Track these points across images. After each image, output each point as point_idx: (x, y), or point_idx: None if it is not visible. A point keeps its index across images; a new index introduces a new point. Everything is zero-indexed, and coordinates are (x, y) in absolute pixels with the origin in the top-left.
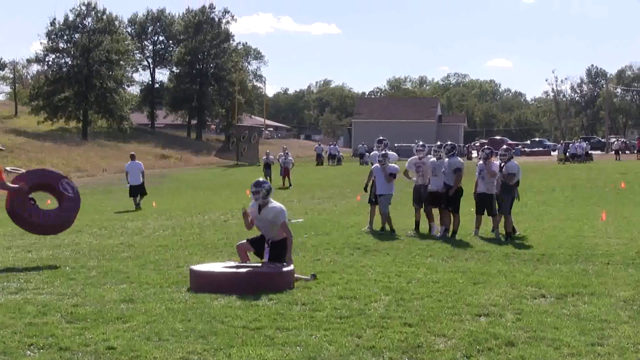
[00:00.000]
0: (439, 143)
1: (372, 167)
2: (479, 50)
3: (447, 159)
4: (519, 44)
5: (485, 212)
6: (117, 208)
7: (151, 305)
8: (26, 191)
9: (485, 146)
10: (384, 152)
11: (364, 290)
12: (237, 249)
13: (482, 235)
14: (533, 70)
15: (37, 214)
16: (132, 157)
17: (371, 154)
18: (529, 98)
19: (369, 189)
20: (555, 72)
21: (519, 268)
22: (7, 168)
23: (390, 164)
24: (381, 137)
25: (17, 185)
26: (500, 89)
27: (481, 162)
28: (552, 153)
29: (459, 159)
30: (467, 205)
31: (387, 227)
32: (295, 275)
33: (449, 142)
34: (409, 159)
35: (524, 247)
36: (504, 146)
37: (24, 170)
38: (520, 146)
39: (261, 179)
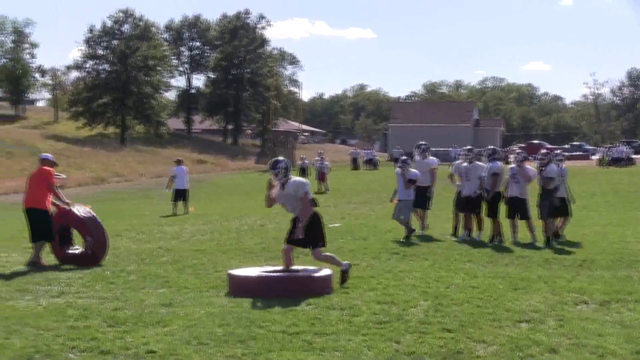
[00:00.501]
0: (469, 147)
1: (396, 171)
2: (516, 53)
3: (489, 164)
4: (557, 46)
5: (518, 215)
6: (156, 213)
7: (190, 310)
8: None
9: (518, 150)
10: (404, 157)
11: (403, 295)
12: (282, 253)
13: (520, 241)
14: (572, 73)
15: (64, 248)
16: (179, 162)
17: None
18: (567, 101)
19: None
20: (594, 75)
21: (560, 274)
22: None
23: (410, 170)
24: (421, 142)
25: (68, 203)
26: (538, 93)
27: (514, 165)
28: (592, 157)
29: (499, 163)
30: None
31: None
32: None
33: (490, 146)
34: (454, 164)
35: (564, 253)
36: (543, 150)
37: (64, 176)
38: (559, 150)
39: (278, 159)
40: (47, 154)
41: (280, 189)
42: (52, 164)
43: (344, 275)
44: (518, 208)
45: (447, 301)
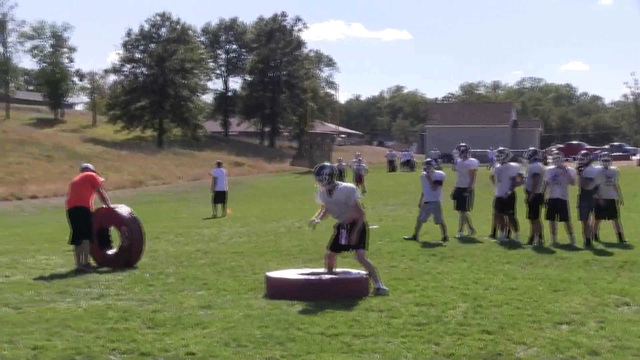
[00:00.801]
0: (501, 148)
1: (420, 176)
2: (554, 53)
3: (529, 164)
4: (596, 46)
5: (558, 217)
6: (194, 215)
7: (229, 312)
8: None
9: (555, 151)
10: (428, 159)
11: (441, 297)
12: (324, 258)
13: (560, 242)
14: (611, 73)
15: (102, 250)
16: (219, 165)
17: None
18: (607, 102)
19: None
20: (634, 75)
21: (600, 275)
22: None
23: (436, 171)
24: (461, 144)
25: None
26: (576, 93)
27: (554, 167)
28: (632, 157)
29: (539, 164)
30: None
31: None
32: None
33: (531, 148)
34: (496, 166)
35: (605, 254)
36: (583, 151)
37: (103, 179)
38: (598, 151)
39: (324, 164)
40: (88, 164)
41: (328, 196)
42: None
43: (377, 292)
44: (559, 210)
45: (486, 303)
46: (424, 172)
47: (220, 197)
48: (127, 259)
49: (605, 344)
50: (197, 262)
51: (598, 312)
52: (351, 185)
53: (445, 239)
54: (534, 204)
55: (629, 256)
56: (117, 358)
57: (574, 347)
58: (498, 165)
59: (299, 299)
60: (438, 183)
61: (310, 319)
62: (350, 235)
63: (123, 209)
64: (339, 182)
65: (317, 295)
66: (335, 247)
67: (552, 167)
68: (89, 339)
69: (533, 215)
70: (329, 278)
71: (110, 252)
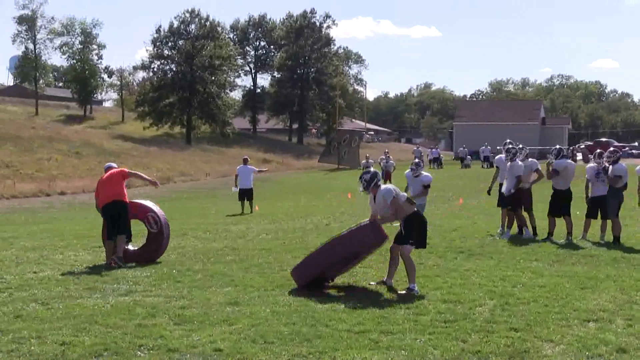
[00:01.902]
0: (508, 147)
1: (405, 173)
2: (584, 51)
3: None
4: (626, 43)
5: (599, 215)
6: (222, 212)
7: (256, 309)
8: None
9: (612, 149)
10: (416, 161)
11: (468, 294)
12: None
13: (589, 240)
14: None
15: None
16: (245, 161)
17: (497, 157)
18: (636, 99)
19: (492, 191)
20: None
21: (628, 273)
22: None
23: (423, 173)
24: (508, 141)
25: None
26: (606, 90)
27: (593, 164)
28: None
29: (569, 161)
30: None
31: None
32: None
33: (557, 146)
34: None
35: (633, 252)
36: (611, 148)
37: (126, 169)
38: (627, 148)
39: (369, 169)
40: (112, 163)
41: (372, 201)
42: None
43: (408, 292)
44: (601, 206)
45: (513, 300)
46: (410, 171)
47: (244, 194)
48: (156, 247)
49: (633, 341)
50: (224, 259)
51: (626, 309)
52: (387, 186)
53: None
54: (554, 200)
55: None
56: (144, 354)
57: (601, 345)
58: (508, 163)
59: (320, 269)
60: (427, 187)
61: (337, 315)
62: (403, 230)
63: (147, 202)
64: (380, 185)
65: (332, 257)
66: (398, 240)
67: (593, 164)
68: (117, 335)
69: (552, 210)
70: (335, 237)
71: (132, 247)
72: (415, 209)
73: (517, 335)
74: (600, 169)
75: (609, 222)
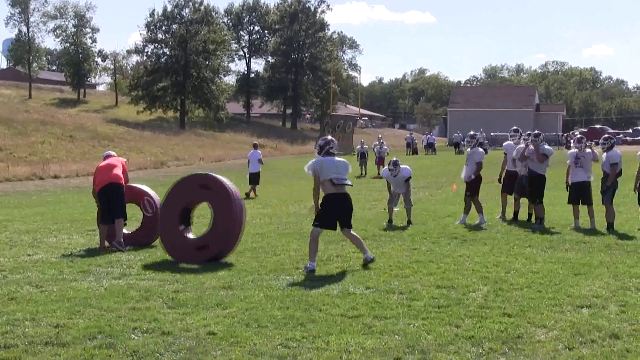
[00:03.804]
0: (471, 133)
1: (382, 172)
2: (578, 37)
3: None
4: (621, 29)
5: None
6: None
7: (250, 293)
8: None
9: (579, 136)
10: (395, 159)
11: (462, 279)
12: None
13: (581, 226)
14: (636, 56)
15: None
16: (255, 147)
17: (504, 144)
18: (631, 86)
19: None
20: None
21: (621, 259)
22: None
23: (402, 166)
24: (515, 127)
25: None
26: (601, 77)
27: (574, 150)
28: None
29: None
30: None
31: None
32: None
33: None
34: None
35: (626, 238)
36: (605, 135)
37: (124, 160)
38: (621, 135)
39: (324, 138)
40: (110, 152)
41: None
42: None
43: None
44: (583, 192)
45: (507, 286)
46: (388, 171)
47: (252, 178)
48: (151, 230)
49: (626, 327)
50: None
51: (619, 295)
52: (314, 160)
53: (390, 222)
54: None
55: None
56: (138, 337)
57: (594, 331)
58: (469, 149)
59: None
60: (408, 180)
61: (331, 300)
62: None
63: (143, 186)
64: (328, 154)
65: None
66: None
67: (573, 150)
68: (111, 318)
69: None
70: None
71: (126, 231)
72: (336, 192)
73: (510, 321)
74: (581, 154)
75: (599, 208)
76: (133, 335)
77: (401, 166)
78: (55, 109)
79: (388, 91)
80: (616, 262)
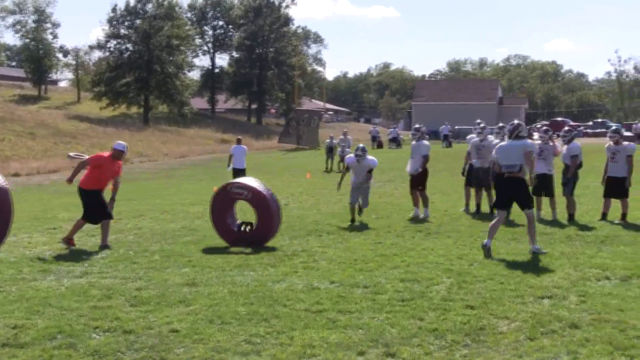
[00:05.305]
0: (416, 126)
1: (347, 159)
2: (540, 31)
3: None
4: (581, 24)
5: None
6: (179, 193)
7: (214, 289)
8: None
9: (545, 127)
10: (361, 145)
11: (426, 272)
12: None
13: (543, 218)
14: (595, 50)
15: None
16: (238, 141)
17: (468, 137)
18: (591, 79)
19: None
20: (618, 52)
21: (582, 250)
22: (71, 154)
23: (368, 157)
24: (479, 120)
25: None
26: (562, 70)
27: (539, 142)
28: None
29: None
30: None
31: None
32: None
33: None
34: (470, 141)
35: (587, 229)
36: (566, 127)
37: (87, 156)
38: (582, 127)
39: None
40: (120, 142)
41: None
42: (120, 154)
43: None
44: (545, 184)
45: (470, 278)
46: (354, 158)
47: (237, 174)
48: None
49: (586, 317)
50: (182, 240)
51: (579, 286)
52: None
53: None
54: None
55: (610, 231)
56: (99, 336)
57: (555, 321)
58: (414, 142)
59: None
60: (371, 171)
61: (295, 295)
62: None
63: None
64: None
65: None
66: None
67: (538, 141)
68: (71, 318)
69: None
70: None
71: None
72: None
73: (473, 313)
74: (543, 147)
75: (560, 199)
76: (94, 335)
77: (368, 157)
78: (15, 105)
79: (353, 85)
80: (577, 253)
